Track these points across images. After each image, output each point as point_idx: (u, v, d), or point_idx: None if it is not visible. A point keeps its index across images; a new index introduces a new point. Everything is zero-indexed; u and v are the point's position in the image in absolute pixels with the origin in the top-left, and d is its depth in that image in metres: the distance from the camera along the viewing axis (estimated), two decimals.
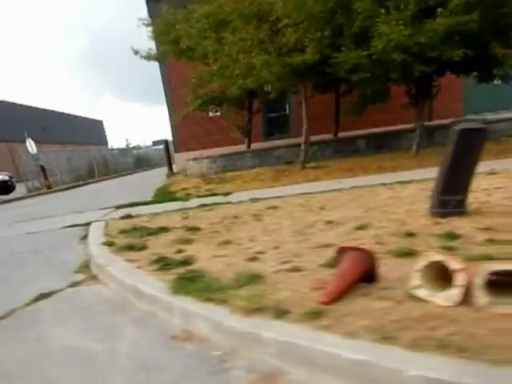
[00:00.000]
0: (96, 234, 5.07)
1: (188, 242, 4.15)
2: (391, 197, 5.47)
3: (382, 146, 11.36)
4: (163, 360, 2.28)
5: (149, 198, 8.71)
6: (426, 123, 12.16)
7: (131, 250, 4.06)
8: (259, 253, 3.50)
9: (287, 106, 17.98)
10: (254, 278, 2.83)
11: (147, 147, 48.14)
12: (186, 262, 3.40)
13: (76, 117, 56.03)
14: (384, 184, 6.42)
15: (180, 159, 18.04)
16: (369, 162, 9.54)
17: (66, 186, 18.56)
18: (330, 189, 6.53)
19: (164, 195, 8.94)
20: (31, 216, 8.74)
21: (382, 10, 7.24)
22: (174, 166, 18.36)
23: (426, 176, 6.06)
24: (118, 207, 7.91)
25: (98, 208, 8.25)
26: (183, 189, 9.66)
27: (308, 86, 9.80)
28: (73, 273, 4.00)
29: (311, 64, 7.93)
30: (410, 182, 6.30)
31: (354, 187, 6.43)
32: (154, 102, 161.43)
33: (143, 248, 4.09)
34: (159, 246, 4.14)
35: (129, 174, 29.48)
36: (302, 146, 9.72)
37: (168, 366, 2.22)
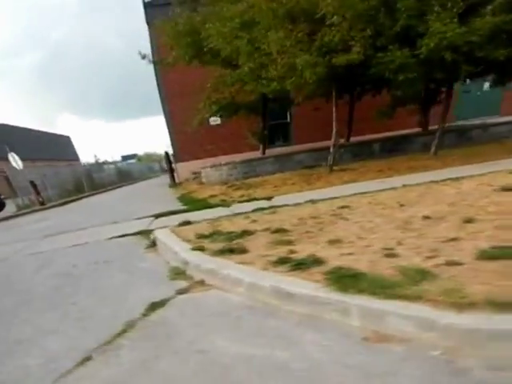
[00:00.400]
0: (169, 240, 4.77)
1: (289, 243, 3.93)
2: (457, 192, 5.40)
3: (395, 149, 11.47)
4: (381, 364, 2.06)
5: (177, 207, 8.38)
6: (430, 127, 12.48)
7: (232, 253, 3.81)
8: (387, 249, 3.31)
9: (288, 114, 17.95)
10: (424, 274, 2.65)
11: (118, 162, 47.26)
12: (318, 262, 3.18)
13: (44, 133, 54.82)
14: (434, 181, 6.35)
15: (182, 169, 17.69)
16: (393, 163, 9.54)
17: (60, 202, 17.83)
18: (380, 188, 6.42)
19: (195, 203, 8.63)
20: (50, 231, 8.26)
21: (433, 8, 7.16)
22: (175, 176, 17.96)
23: (464, 174, 6.38)
24: (157, 216, 7.58)
25: (132, 218, 7.87)
26: (211, 196, 9.38)
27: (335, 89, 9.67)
28: (169, 280, 3.71)
29: (356, 64, 7.79)
30: (457, 179, 6.26)
31: (405, 185, 6.33)
32: (117, 118, 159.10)
33: (244, 251, 3.84)
34: (261, 248, 3.90)
35: (117, 187, 28.72)
36: (331, 149, 9.61)
37: (394, 370, 2.00)
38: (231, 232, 4.66)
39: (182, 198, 10.25)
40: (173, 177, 17.97)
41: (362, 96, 11.79)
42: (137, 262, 4.54)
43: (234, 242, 4.24)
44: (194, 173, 17.26)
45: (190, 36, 11.01)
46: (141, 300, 3.31)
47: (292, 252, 3.58)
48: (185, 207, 8.21)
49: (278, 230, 4.46)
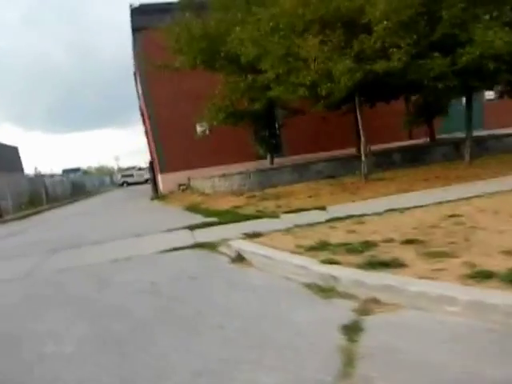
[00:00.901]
0: (273, 253, 4.10)
1: (446, 254, 3.45)
2: None
3: (416, 159, 11.45)
4: None
5: (200, 219, 7.65)
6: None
7: (387, 266, 3.29)
8: None
9: (276, 124, 17.55)
10: None
11: (58, 175, 44.69)
12: None
13: None
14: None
15: (165, 180, 16.72)
16: (429, 172, 9.46)
17: (21, 214, 16.14)
18: (456, 197, 6.08)
19: (223, 215, 7.91)
20: (52, 245, 7.23)
21: (480, 17, 7.23)
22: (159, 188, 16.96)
23: None
24: (191, 228, 6.82)
25: (157, 231, 7.04)
26: (235, 207, 8.71)
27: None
28: (321, 298, 3.16)
29: (394, 71, 7.67)
30: None
31: (483, 194, 6.06)
32: (60, 130, 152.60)
33: (401, 264, 3.30)
34: (416, 260, 3.38)
35: (74, 201, 26.81)
36: (363, 158, 9.33)
37: None
38: (347, 243, 4.07)
39: (195, 210, 9.48)
40: (156, 188, 16.95)
41: (375, 105, 11.75)
42: (238, 276, 3.89)
43: (369, 253, 3.66)
44: (181, 184, 16.36)
45: (204, 40, 10.58)
46: (316, 321, 2.78)
47: (473, 265, 3.08)
48: (215, 219, 7.44)
49: (410, 241, 3.93)
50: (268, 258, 4.04)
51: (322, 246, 4.11)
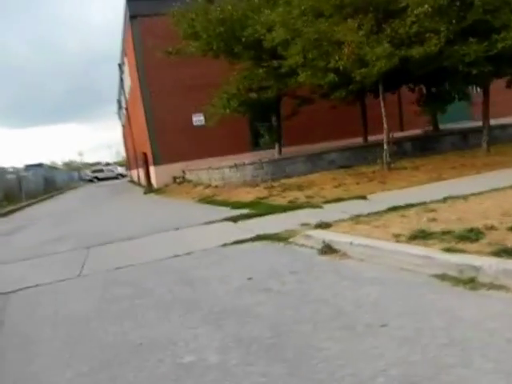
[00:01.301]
0: (384, 244, 3.77)
1: None
2: None
3: (427, 148, 11.47)
4: None
5: (229, 212, 7.26)
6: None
7: None
8: None
9: (274, 116, 17.18)
10: None
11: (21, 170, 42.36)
12: None
13: None
14: None
15: (161, 173, 16.02)
16: (450, 160, 9.53)
17: (4, 211, 14.93)
18: (506, 185, 5.91)
19: (253, 206, 7.54)
20: (72, 243, 6.62)
21: None
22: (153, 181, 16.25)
23: None
24: (232, 219, 6.43)
25: (195, 223, 6.56)
26: (260, 198, 8.36)
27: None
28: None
29: (431, 56, 7.52)
30: None
31: None
32: (21, 125, 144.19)
33: None
34: None
35: (51, 197, 25.43)
36: (385, 146, 9.15)
37: None
38: (449, 231, 3.78)
39: (212, 202, 9.07)
40: (149, 181, 16.25)
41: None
42: (344, 269, 3.56)
43: (486, 241, 3.42)
44: (176, 177, 15.72)
45: (222, 25, 10.08)
46: (491, 316, 2.43)
47: None
48: (248, 211, 7.05)
49: None
50: (371, 248, 3.72)
51: (424, 234, 3.82)
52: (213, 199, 9.56)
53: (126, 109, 27.28)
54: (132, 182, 32.07)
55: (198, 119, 16.52)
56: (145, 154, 16.88)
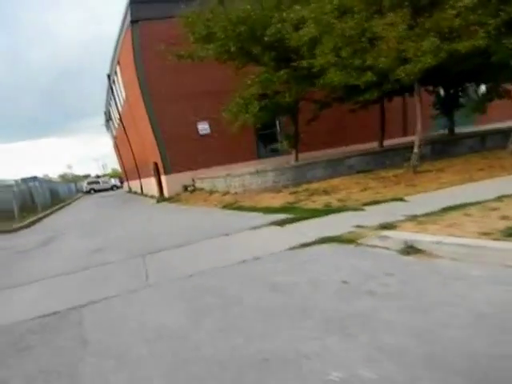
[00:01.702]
0: None
1: None
2: None
3: (445, 151, 11.30)
4: None
5: (263, 218, 6.93)
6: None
7: None
8: None
9: (277, 122, 16.90)
10: None
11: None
12: None
13: None
14: None
15: (172, 182, 15.60)
16: (476, 162, 9.25)
17: (27, 222, 14.26)
18: None
19: (289, 210, 7.25)
20: (122, 250, 6.23)
21: None
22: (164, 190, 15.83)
23: None
24: (277, 224, 6.14)
25: (242, 228, 6.22)
26: (289, 203, 8.06)
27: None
28: None
29: (478, 51, 7.20)
30: None
31: None
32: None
33: None
34: None
35: (62, 207, 24.77)
36: (415, 149, 8.88)
37: None
38: None
39: (240, 208, 8.72)
40: (161, 190, 15.84)
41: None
42: (446, 270, 3.25)
43: None
44: (187, 185, 15.33)
45: (242, 24, 9.52)
46: None
47: None
48: (287, 215, 6.73)
49: None
50: (467, 247, 3.45)
51: None
52: (238, 205, 9.23)
53: (120, 119, 26.52)
54: (131, 192, 31.40)
55: (204, 127, 16.22)
56: (156, 164, 16.42)
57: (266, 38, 9.32)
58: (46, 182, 38.97)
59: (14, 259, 7.04)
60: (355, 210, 6.34)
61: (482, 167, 8.29)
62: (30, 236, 10.49)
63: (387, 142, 12.66)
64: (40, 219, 15.75)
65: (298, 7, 8.50)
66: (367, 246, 4.23)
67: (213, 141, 15.77)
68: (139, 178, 25.81)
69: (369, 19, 7.54)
